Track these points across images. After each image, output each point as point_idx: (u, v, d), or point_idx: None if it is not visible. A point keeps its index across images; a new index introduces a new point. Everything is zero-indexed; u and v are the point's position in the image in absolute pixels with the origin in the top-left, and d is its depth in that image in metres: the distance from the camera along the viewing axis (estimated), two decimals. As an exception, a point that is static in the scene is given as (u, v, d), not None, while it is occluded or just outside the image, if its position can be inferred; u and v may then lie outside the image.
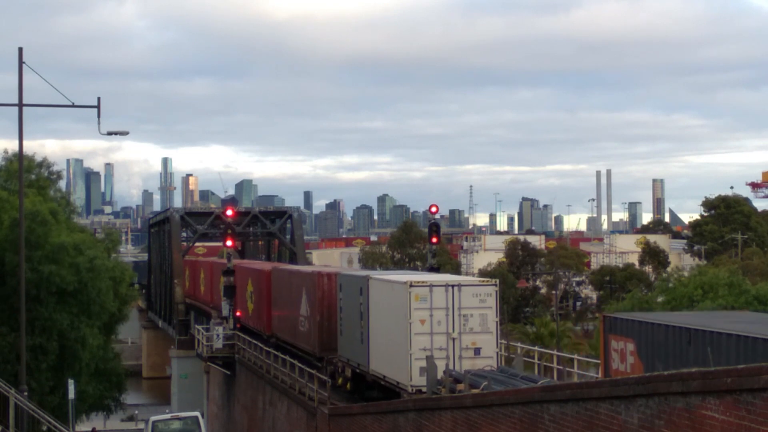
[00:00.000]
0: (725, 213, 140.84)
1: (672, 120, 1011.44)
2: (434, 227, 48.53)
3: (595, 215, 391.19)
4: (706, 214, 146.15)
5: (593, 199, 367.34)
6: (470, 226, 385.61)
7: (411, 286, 31.46)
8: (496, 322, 31.84)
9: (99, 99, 35.88)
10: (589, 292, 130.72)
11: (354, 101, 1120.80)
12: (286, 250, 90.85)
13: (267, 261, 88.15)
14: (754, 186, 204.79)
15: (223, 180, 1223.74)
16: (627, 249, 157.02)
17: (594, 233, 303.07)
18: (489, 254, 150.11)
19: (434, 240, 48.80)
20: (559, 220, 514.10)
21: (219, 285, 63.12)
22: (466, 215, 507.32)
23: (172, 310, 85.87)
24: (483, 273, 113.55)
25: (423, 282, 31.89)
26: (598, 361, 36.77)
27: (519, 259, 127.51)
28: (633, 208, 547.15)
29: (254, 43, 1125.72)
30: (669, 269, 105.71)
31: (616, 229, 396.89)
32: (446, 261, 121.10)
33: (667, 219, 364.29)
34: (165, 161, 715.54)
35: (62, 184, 69.49)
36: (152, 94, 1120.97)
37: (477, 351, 31.37)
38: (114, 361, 58.49)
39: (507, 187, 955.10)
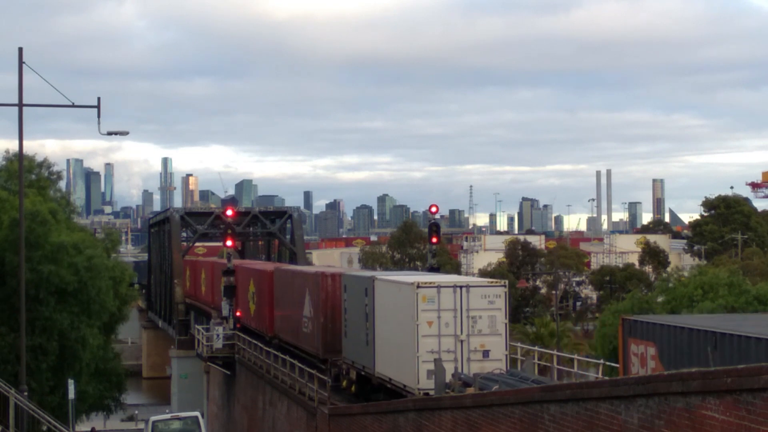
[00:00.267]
0: (725, 213, 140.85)
1: (672, 120, 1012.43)
2: (434, 227, 48.50)
3: (595, 215, 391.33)
4: (706, 214, 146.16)
5: (593, 199, 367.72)
6: (470, 226, 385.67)
7: (418, 287, 30.92)
8: (505, 323, 31.23)
9: (99, 99, 35.94)
10: (589, 292, 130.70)
11: (354, 101, 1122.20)
12: (286, 250, 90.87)
13: (267, 261, 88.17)
14: (754, 186, 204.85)
15: (223, 180, 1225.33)
16: (627, 249, 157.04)
17: (594, 233, 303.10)
18: (489, 254, 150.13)
19: (434, 240, 48.76)
20: (559, 220, 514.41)
21: (220, 285, 63.06)
22: (466, 215, 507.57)
23: (172, 310, 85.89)
24: (483, 273, 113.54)
25: (430, 283, 31.35)
26: (599, 362, 36.80)
27: (519, 259, 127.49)
28: (633, 208, 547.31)
29: (254, 43, 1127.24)
30: (669, 269, 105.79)
31: (616, 229, 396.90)
32: (446, 261, 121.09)
33: (667, 219, 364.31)
34: (165, 161, 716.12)
35: (62, 184, 69.54)
36: (152, 94, 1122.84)
37: (486, 353, 30.82)
38: (114, 361, 58.51)
39: (507, 187, 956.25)
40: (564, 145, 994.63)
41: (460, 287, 31.11)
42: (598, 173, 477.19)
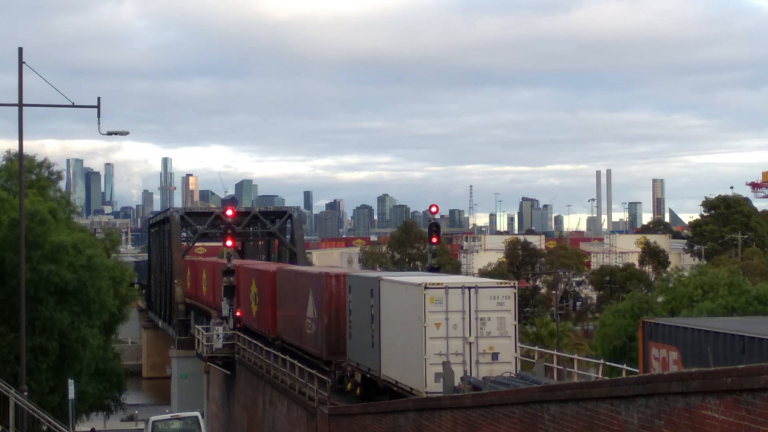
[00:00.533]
0: (725, 213, 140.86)
1: (672, 120, 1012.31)
2: (434, 227, 48.47)
3: (595, 215, 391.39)
4: (706, 214, 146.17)
5: (593, 199, 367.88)
6: (470, 226, 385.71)
7: (426, 288, 30.34)
8: (515, 325, 30.77)
9: (99, 99, 35.95)
10: (589, 292, 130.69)
11: (354, 101, 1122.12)
12: (286, 250, 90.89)
13: (267, 261, 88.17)
14: (754, 186, 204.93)
15: (223, 180, 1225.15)
16: (627, 249, 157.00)
17: (594, 233, 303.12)
18: (489, 254, 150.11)
19: (434, 240, 48.72)
20: (559, 220, 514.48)
21: (222, 286, 62.96)
22: (466, 215, 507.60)
23: (172, 310, 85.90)
24: (483, 273, 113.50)
25: (438, 284, 30.77)
26: (599, 362, 36.80)
27: (519, 259, 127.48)
28: (633, 208, 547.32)
29: (254, 43, 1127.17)
30: (669, 269, 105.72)
31: (616, 229, 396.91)
32: (446, 261, 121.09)
33: (667, 219, 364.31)
34: (165, 161, 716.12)
35: (62, 184, 69.53)
36: (152, 94, 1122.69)
37: (495, 356, 30.32)
38: (114, 361, 58.51)
39: (507, 187, 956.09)
40: (564, 145, 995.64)
41: (469, 288, 30.60)
42: (598, 173, 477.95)
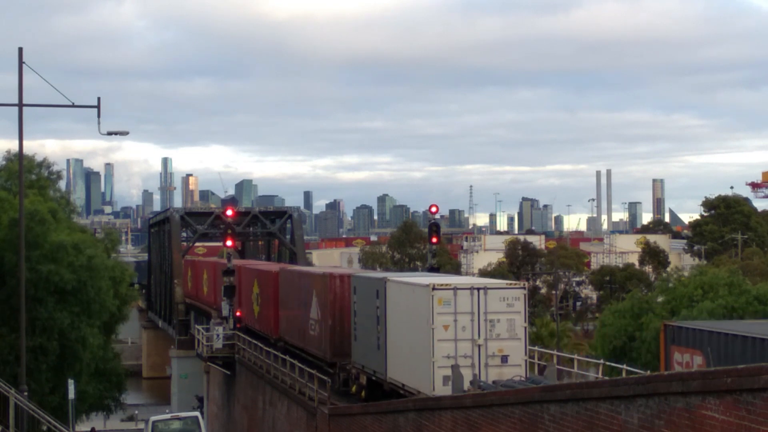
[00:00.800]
0: (725, 213, 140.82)
1: (672, 120, 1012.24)
2: (434, 227, 48.44)
3: (595, 215, 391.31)
4: (706, 214, 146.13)
5: (593, 199, 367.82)
6: (470, 226, 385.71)
7: (434, 289, 29.69)
8: (525, 327, 30.07)
9: (99, 99, 35.94)
10: (589, 292, 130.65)
11: (354, 101, 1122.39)
12: (286, 250, 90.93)
13: (267, 261, 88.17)
14: (754, 186, 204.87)
15: (223, 180, 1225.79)
16: (627, 249, 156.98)
17: (594, 233, 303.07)
18: (489, 254, 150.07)
19: (434, 240, 48.68)
20: (559, 220, 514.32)
21: (222, 286, 62.84)
22: (466, 215, 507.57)
23: (172, 310, 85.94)
24: (483, 273, 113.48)
25: (446, 285, 30.11)
26: (599, 362, 36.76)
27: (519, 259, 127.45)
28: (633, 208, 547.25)
29: (254, 43, 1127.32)
30: (669, 269, 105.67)
31: (616, 229, 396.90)
32: (446, 261, 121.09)
33: (667, 219, 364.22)
34: (165, 161, 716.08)
35: (62, 184, 69.50)
36: (152, 94, 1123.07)
37: (504, 359, 29.71)
38: (114, 361, 58.50)
39: (507, 187, 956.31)
40: (564, 145, 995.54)
41: (478, 289, 30.01)
42: (598, 173, 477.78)
